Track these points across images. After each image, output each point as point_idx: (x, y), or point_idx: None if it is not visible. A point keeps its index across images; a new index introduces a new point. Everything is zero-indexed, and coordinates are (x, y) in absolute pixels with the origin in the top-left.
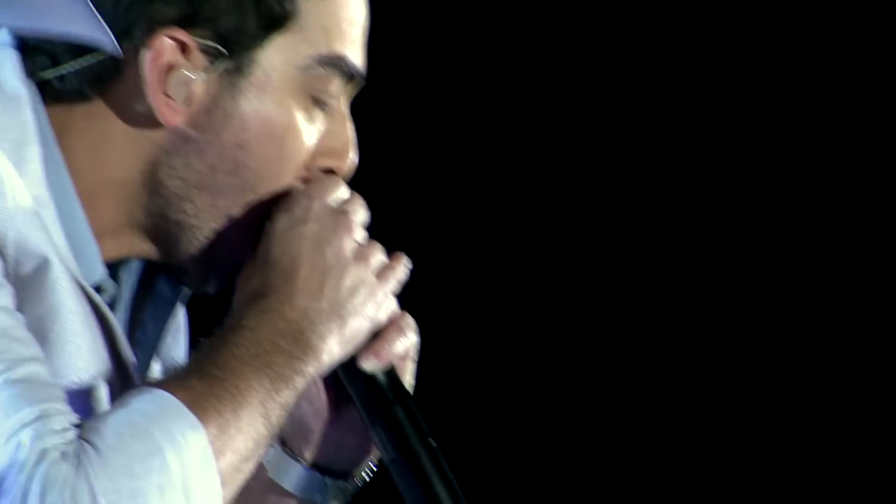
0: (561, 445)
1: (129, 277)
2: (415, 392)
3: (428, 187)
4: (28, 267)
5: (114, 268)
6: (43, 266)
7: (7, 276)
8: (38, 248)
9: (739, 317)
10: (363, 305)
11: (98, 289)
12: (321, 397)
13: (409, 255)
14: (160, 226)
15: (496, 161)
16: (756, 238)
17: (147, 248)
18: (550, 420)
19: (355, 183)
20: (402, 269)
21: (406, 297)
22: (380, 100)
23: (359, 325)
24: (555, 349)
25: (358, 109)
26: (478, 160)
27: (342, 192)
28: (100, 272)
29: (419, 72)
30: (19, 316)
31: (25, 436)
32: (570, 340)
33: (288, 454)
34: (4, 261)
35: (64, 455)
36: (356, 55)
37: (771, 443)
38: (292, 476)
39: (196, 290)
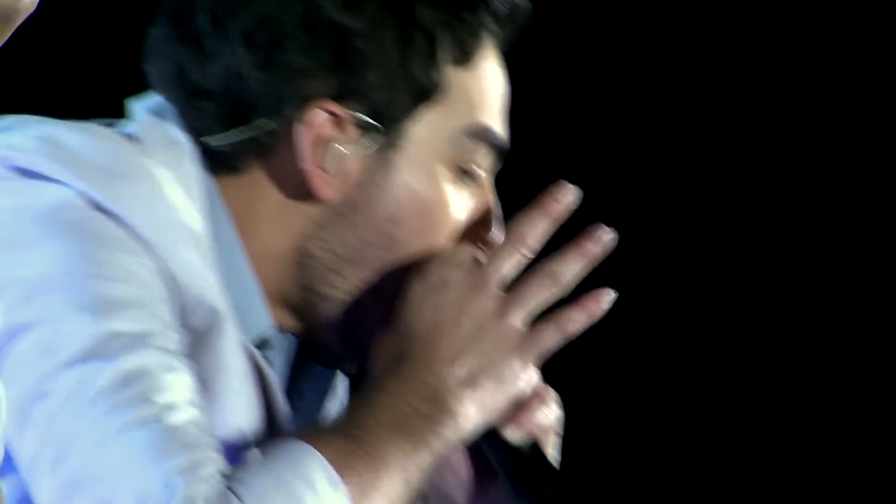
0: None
1: (285, 342)
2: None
3: None
4: (201, 317)
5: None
6: (213, 318)
7: (184, 324)
8: (210, 299)
9: (741, 316)
10: (502, 372)
11: (263, 344)
12: (466, 470)
13: None
14: (307, 298)
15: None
16: (761, 239)
17: (290, 324)
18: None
19: None
20: (548, 338)
21: None
22: None
23: (497, 391)
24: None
25: None
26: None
27: (479, 255)
28: (266, 323)
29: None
30: (190, 363)
31: (178, 482)
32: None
33: None
34: (182, 309)
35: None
36: (500, 126)
37: (774, 443)
38: None
39: (337, 367)
